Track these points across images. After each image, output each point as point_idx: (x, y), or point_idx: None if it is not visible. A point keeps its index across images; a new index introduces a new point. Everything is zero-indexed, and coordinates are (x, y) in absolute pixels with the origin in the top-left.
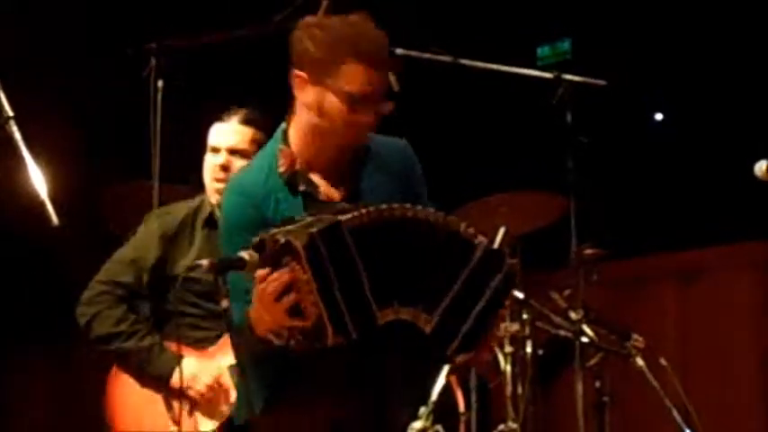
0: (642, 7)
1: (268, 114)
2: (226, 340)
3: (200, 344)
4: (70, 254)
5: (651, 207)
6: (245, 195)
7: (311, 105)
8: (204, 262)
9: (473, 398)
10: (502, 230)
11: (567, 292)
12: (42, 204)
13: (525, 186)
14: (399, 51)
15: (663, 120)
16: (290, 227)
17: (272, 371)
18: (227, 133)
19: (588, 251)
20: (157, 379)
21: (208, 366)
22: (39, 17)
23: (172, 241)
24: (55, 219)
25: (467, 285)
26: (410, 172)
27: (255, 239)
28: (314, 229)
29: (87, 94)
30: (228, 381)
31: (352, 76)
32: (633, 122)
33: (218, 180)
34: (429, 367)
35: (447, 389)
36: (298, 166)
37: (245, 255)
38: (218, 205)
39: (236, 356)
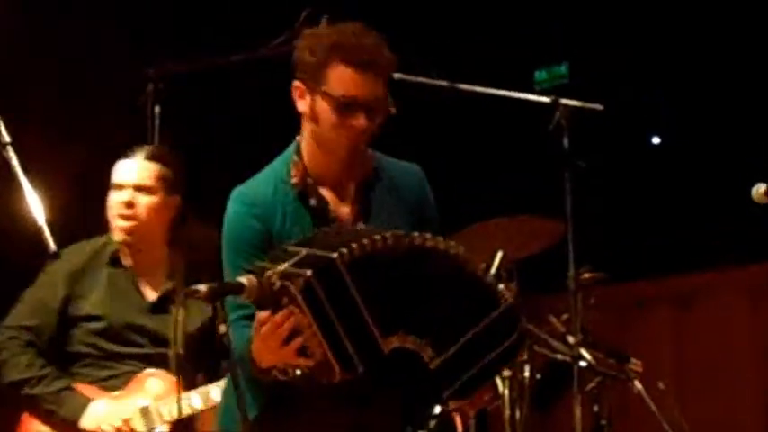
0: (639, 31)
1: (175, 149)
2: (136, 382)
3: (105, 383)
4: None
5: (648, 230)
6: (249, 205)
7: (307, 113)
8: (203, 287)
9: (471, 422)
10: (499, 255)
11: (564, 315)
12: (40, 230)
13: (523, 211)
14: (397, 76)
15: (660, 143)
16: (285, 265)
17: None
18: (133, 170)
19: (586, 275)
20: (68, 422)
21: (117, 408)
22: (36, 44)
23: (77, 281)
24: (52, 245)
25: (481, 336)
26: (422, 197)
27: (254, 267)
28: (308, 272)
29: (85, 120)
30: (138, 425)
31: (339, 79)
32: (630, 146)
33: (123, 217)
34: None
35: (445, 412)
36: (309, 180)
37: (243, 280)
38: (124, 243)
39: (230, 370)
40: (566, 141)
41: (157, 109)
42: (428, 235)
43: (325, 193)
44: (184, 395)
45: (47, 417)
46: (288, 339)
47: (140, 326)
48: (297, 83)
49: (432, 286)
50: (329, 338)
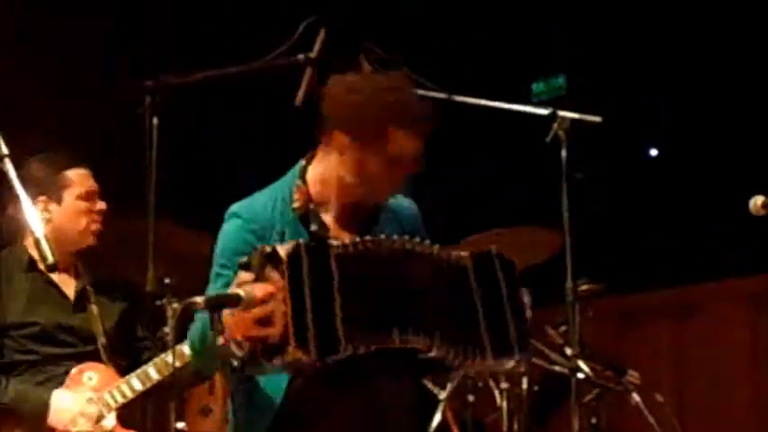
0: (636, 43)
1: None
2: (72, 379)
3: (44, 386)
4: None
5: (646, 242)
6: (247, 220)
7: (350, 166)
8: (199, 299)
9: None
10: None
11: (562, 328)
12: (38, 242)
13: (520, 222)
14: None
15: (658, 155)
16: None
17: (270, 408)
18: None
19: (584, 287)
20: (34, 420)
21: (78, 394)
22: (34, 56)
23: None
24: (50, 257)
25: (471, 301)
26: (417, 228)
27: (242, 260)
28: (300, 242)
29: (83, 132)
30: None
31: (400, 143)
32: (628, 158)
33: (101, 223)
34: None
35: (444, 425)
36: (311, 206)
37: (240, 292)
38: (88, 246)
39: (233, 394)
40: (563, 153)
41: (155, 121)
42: (407, 238)
43: (327, 218)
44: (124, 379)
45: (13, 420)
46: (257, 304)
47: (69, 326)
48: (340, 134)
49: (415, 286)
50: (295, 312)
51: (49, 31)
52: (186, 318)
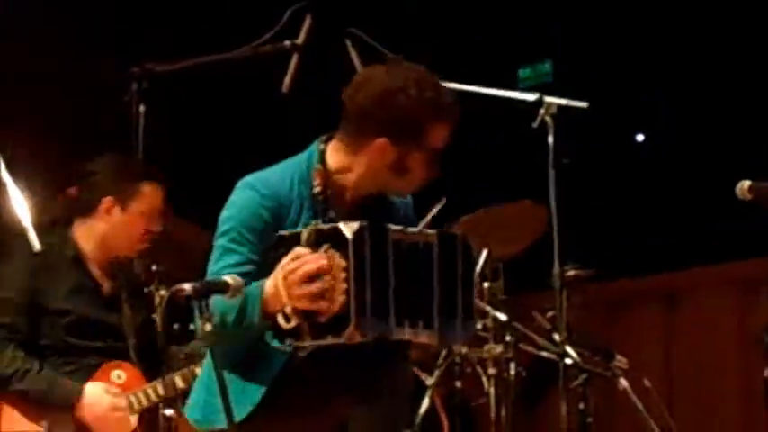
0: (623, 28)
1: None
2: (101, 373)
3: (70, 377)
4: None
5: (634, 228)
6: (263, 196)
7: (392, 165)
8: (187, 285)
9: (457, 420)
10: (484, 253)
11: (550, 313)
12: (25, 230)
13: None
14: None
15: (645, 140)
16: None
17: (264, 373)
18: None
19: (571, 272)
20: (62, 409)
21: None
22: (22, 45)
23: (41, 275)
24: (37, 245)
25: (443, 284)
26: (410, 214)
27: (287, 232)
28: (364, 223)
29: (70, 120)
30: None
31: (436, 136)
32: (615, 143)
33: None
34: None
35: (431, 410)
36: (329, 191)
37: (228, 279)
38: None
39: (216, 361)
40: (550, 139)
41: (142, 108)
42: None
43: (338, 207)
44: (150, 384)
45: (37, 408)
46: (314, 278)
47: (103, 321)
48: (381, 139)
49: (420, 274)
50: (357, 292)
51: (34, 18)
52: (173, 305)
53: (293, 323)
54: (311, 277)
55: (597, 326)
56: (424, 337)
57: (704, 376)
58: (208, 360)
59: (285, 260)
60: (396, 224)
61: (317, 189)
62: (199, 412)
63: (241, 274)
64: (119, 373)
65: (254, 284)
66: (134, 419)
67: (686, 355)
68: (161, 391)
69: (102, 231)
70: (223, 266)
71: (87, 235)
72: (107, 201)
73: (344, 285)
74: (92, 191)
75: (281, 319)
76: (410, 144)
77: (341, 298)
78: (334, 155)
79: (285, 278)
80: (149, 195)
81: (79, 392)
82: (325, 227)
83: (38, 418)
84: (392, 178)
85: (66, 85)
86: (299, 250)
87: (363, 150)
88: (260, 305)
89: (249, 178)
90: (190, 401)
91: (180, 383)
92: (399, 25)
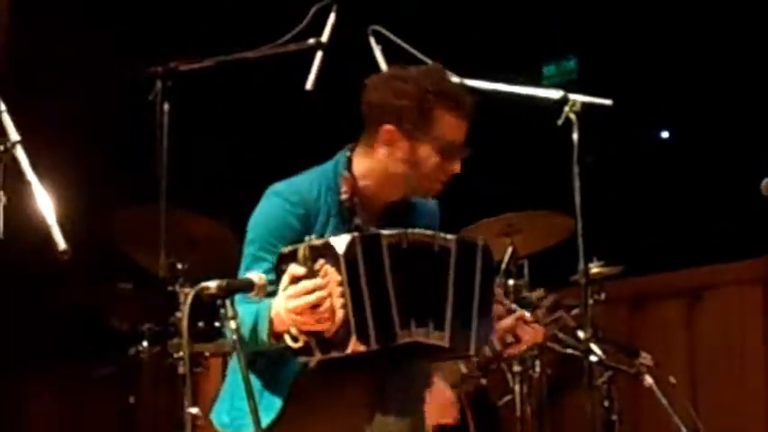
0: (648, 26)
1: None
2: None
3: None
4: (78, 278)
5: (658, 224)
6: (293, 204)
7: (403, 158)
8: (212, 284)
9: (482, 418)
10: (509, 251)
11: (574, 311)
12: (50, 228)
13: (531, 206)
14: None
15: (669, 137)
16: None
17: (284, 379)
18: None
19: (595, 270)
20: None
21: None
22: (46, 41)
23: None
24: (62, 243)
25: (457, 288)
26: (435, 226)
27: (284, 250)
28: (355, 235)
29: (94, 118)
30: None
31: (447, 127)
32: (639, 140)
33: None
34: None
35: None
36: (356, 199)
37: (254, 277)
38: None
39: (243, 365)
40: (575, 136)
41: (166, 106)
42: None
43: (364, 214)
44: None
45: None
46: (310, 302)
47: None
48: (389, 127)
49: (431, 276)
50: (355, 304)
51: (64, 16)
52: (198, 303)
53: (301, 342)
54: (310, 298)
55: (621, 322)
56: (434, 339)
57: (728, 373)
58: (233, 365)
59: (284, 282)
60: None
61: (345, 196)
62: (226, 416)
63: (271, 282)
64: None
65: (266, 303)
66: (448, 393)
67: (710, 352)
68: (463, 369)
69: None
70: (250, 274)
71: None
72: None
73: (342, 300)
74: None
75: (289, 340)
76: (419, 133)
77: (340, 312)
78: (359, 160)
79: (288, 299)
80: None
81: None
82: (318, 242)
83: None
84: (407, 172)
85: (90, 84)
86: (294, 270)
87: (377, 144)
88: (268, 327)
89: (277, 186)
90: (216, 406)
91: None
92: (424, 23)
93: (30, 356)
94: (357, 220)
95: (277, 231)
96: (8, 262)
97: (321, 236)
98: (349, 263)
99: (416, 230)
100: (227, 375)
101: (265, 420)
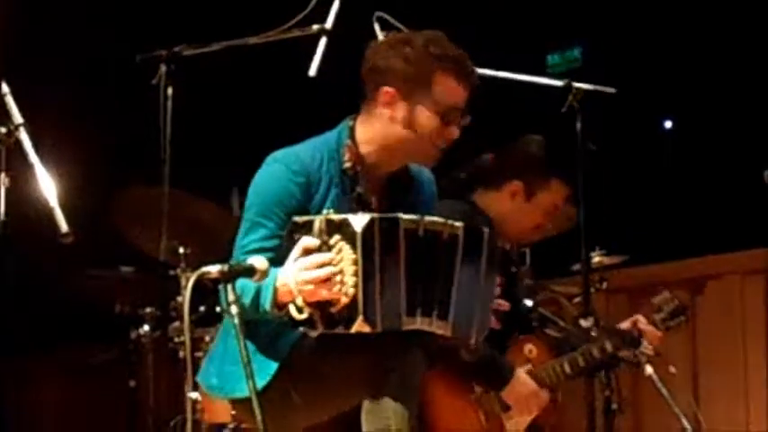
0: (652, 15)
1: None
2: (519, 344)
3: None
4: (80, 261)
5: (661, 214)
6: (294, 172)
7: (402, 120)
8: (214, 268)
9: None
10: None
11: (576, 299)
12: (52, 211)
13: None
14: None
15: (673, 127)
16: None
17: (281, 346)
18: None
19: (597, 259)
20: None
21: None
22: (50, 25)
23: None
24: (64, 226)
25: (462, 277)
26: (432, 198)
27: (299, 219)
28: (375, 216)
29: (97, 101)
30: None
31: (446, 90)
32: (643, 130)
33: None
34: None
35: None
36: (358, 167)
37: (255, 263)
38: None
39: (240, 331)
40: (578, 125)
41: (170, 90)
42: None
43: (365, 183)
44: (556, 360)
45: (467, 380)
46: (321, 275)
47: None
48: (388, 89)
49: (436, 266)
50: (366, 285)
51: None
52: (199, 287)
53: (305, 314)
54: (321, 272)
55: (622, 312)
56: (437, 328)
57: (730, 362)
58: (222, 331)
59: (295, 253)
60: (420, 201)
61: (347, 165)
62: (215, 379)
63: (268, 249)
64: (530, 347)
65: (273, 271)
66: (544, 394)
67: (712, 341)
68: (567, 369)
69: (498, 211)
70: (250, 240)
71: (486, 208)
72: (516, 184)
73: (354, 278)
74: (505, 168)
75: (293, 311)
76: (417, 95)
77: (350, 290)
78: (361, 128)
79: (297, 273)
80: (556, 192)
81: (511, 372)
82: (336, 218)
83: (468, 389)
84: (406, 134)
85: (94, 67)
86: (307, 243)
87: (377, 107)
88: (272, 295)
89: (279, 153)
90: (204, 368)
91: (581, 362)
92: (428, 10)
93: (31, 340)
94: (359, 189)
95: (277, 198)
96: (10, 245)
97: (321, 205)
98: (365, 242)
99: (431, 218)
100: (217, 339)
101: (258, 383)
